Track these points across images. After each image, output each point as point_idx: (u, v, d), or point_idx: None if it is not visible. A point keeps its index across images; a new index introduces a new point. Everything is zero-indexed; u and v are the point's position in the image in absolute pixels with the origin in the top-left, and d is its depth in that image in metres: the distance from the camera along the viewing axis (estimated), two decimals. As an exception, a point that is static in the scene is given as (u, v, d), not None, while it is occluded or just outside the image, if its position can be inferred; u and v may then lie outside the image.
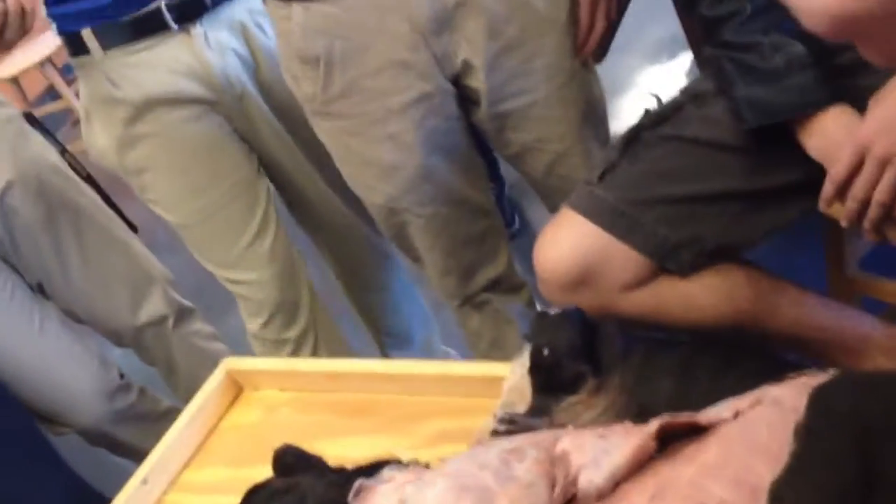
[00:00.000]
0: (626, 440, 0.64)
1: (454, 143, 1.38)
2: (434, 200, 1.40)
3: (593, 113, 1.40)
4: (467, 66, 1.30)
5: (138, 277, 1.78)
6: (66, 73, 3.75)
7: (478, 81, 1.31)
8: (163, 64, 1.46)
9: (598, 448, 0.66)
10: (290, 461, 0.82)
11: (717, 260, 1.08)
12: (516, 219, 2.48)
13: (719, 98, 1.07)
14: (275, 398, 1.16)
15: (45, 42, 3.69)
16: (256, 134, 1.57)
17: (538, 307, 1.57)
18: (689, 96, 1.10)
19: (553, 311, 0.89)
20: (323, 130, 1.39)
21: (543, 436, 0.72)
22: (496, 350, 1.59)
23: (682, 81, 2.62)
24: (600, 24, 1.29)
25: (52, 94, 3.54)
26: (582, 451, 0.66)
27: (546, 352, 0.84)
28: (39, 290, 1.72)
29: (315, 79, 1.31)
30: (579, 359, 0.83)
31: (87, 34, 1.44)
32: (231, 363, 1.20)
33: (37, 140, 1.70)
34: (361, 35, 1.26)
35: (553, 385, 0.83)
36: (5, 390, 1.58)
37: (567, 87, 1.34)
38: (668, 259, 1.06)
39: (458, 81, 1.32)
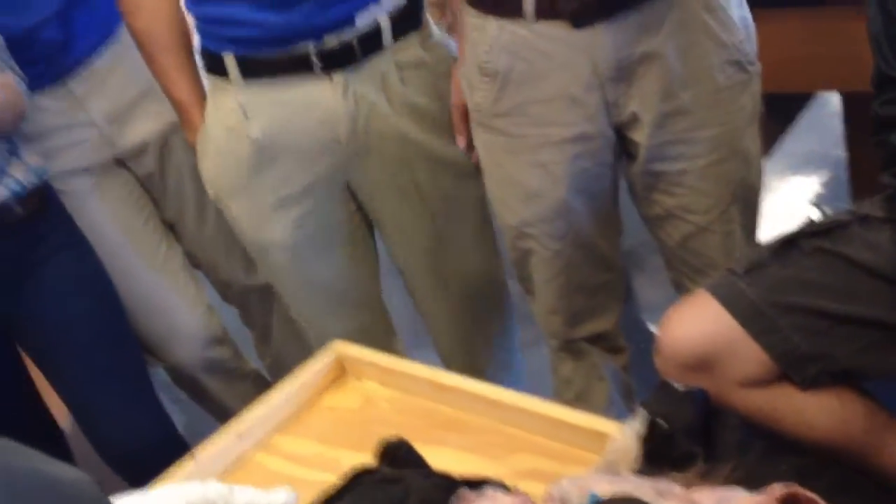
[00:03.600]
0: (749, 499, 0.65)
1: (599, 188, 1.40)
2: (563, 238, 1.43)
3: (746, 197, 1.40)
4: (634, 120, 1.32)
5: None
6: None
7: (640, 136, 1.33)
8: (298, 105, 1.43)
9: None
10: (401, 455, 0.85)
11: (839, 381, 1.08)
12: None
13: (887, 226, 1.07)
14: (375, 391, 1.19)
15: None
16: (375, 186, 1.52)
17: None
18: (857, 217, 1.11)
19: (677, 385, 0.90)
20: (481, 141, 1.42)
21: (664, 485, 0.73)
22: (581, 402, 1.60)
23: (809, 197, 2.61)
24: None
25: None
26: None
27: (663, 424, 0.85)
28: (170, 227, 1.80)
29: (488, 91, 1.35)
30: (694, 439, 0.84)
31: (229, 59, 1.43)
32: (340, 347, 1.24)
33: None
34: (544, 63, 1.29)
35: (662, 458, 0.84)
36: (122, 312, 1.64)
37: (726, 164, 1.35)
38: (794, 368, 1.06)
39: (620, 131, 1.35)
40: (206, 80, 1.51)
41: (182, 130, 1.61)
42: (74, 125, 1.66)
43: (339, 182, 1.51)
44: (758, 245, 1.33)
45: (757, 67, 1.35)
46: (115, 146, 1.70)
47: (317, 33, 1.38)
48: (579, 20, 1.25)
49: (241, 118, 1.44)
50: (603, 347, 1.58)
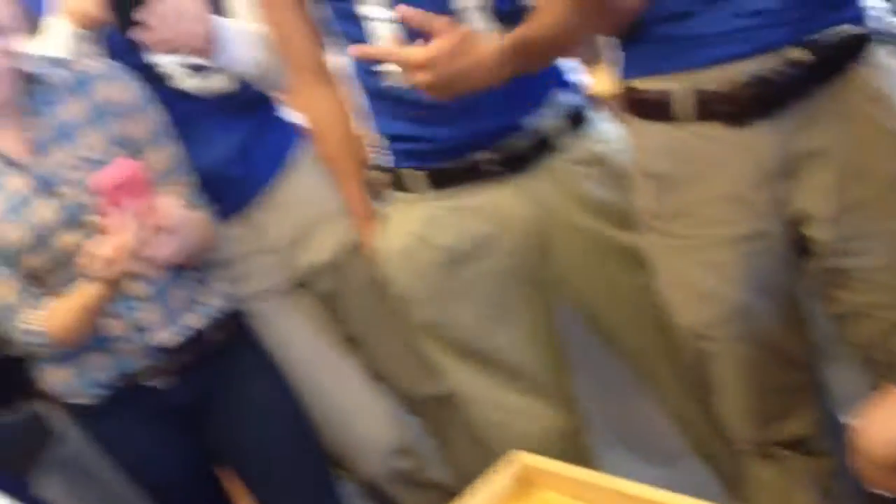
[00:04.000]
0: None
1: (778, 286, 1.37)
2: (744, 339, 1.39)
3: None
4: (807, 216, 1.29)
5: None
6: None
7: (816, 232, 1.30)
8: (481, 210, 1.49)
9: None
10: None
11: None
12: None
13: None
14: (561, 503, 1.19)
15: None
16: (565, 285, 1.56)
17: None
18: None
19: (887, 494, 0.87)
20: (649, 243, 1.42)
21: None
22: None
23: None
24: None
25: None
26: None
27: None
28: (351, 341, 1.88)
29: (651, 194, 1.36)
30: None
31: (418, 175, 1.50)
32: (523, 458, 1.24)
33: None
34: (705, 163, 1.29)
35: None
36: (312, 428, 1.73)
37: None
38: None
39: (795, 227, 1.32)
40: (386, 197, 1.59)
41: (355, 246, 1.71)
42: (257, 251, 1.75)
43: (529, 277, 1.54)
44: None
45: None
46: (295, 268, 1.78)
47: (485, 142, 1.45)
48: (737, 120, 1.25)
49: (427, 227, 1.51)
50: (802, 451, 1.49)
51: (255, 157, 1.74)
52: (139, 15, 1.42)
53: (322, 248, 1.78)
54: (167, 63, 1.62)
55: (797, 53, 1.23)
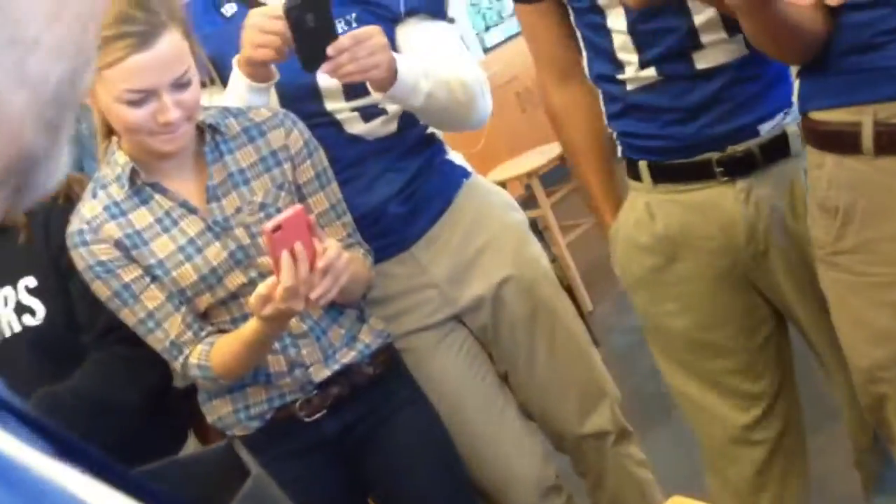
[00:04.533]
0: None
1: None
2: None
3: None
4: None
5: (592, 389, 1.87)
6: (546, 185, 4.09)
7: None
8: (699, 208, 1.53)
9: None
10: None
11: None
12: None
13: None
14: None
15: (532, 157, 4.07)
16: (777, 288, 1.56)
17: None
18: None
19: None
20: (825, 278, 1.39)
21: None
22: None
23: None
24: None
25: (528, 202, 3.87)
26: None
27: None
28: (504, 378, 1.88)
29: (829, 228, 1.33)
30: None
31: (642, 165, 1.57)
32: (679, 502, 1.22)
33: (536, 244, 1.88)
34: (887, 198, 1.26)
35: None
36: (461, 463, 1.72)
37: None
38: None
39: None
40: (629, 185, 1.65)
41: (511, 282, 1.74)
42: (418, 288, 1.79)
43: (740, 277, 1.56)
44: None
45: None
46: (454, 304, 1.80)
47: (720, 144, 1.48)
48: None
49: (647, 215, 1.57)
50: None
51: (420, 197, 1.78)
52: (330, 50, 1.49)
53: (481, 282, 1.80)
54: (340, 108, 1.70)
55: None
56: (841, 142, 1.28)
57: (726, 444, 1.63)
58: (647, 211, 1.57)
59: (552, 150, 4.15)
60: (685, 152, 1.50)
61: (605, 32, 1.50)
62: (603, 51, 1.52)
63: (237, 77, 1.60)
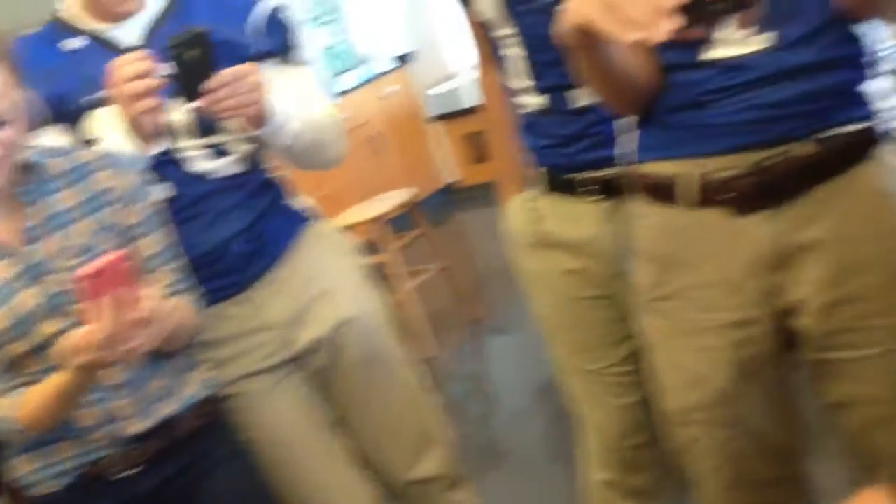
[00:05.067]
0: None
1: (766, 375, 1.37)
2: (730, 426, 1.38)
3: None
4: (798, 307, 1.30)
5: (424, 435, 1.86)
6: (395, 229, 4.10)
7: (808, 324, 1.30)
8: (578, 219, 1.63)
9: None
10: None
11: None
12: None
13: None
14: None
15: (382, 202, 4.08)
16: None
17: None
18: None
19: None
20: (645, 324, 1.43)
21: None
22: None
23: None
24: None
25: (371, 248, 3.86)
26: None
27: None
28: (340, 422, 1.85)
29: (650, 275, 1.37)
30: None
31: (542, 171, 1.68)
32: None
33: (375, 289, 1.87)
34: (704, 249, 1.31)
35: None
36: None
37: None
38: None
39: (786, 317, 1.32)
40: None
41: (349, 325, 1.73)
42: (255, 330, 1.74)
43: (601, 293, 1.67)
44: None
45: None
46: (291, 347, 1.77)
47: (592, 168, 1.60)
48: (740, 208, 1.27)
49: (536, 215, 1.70)
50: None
51: (265, 236, 1.75)
52: (212, 83, 1.50)
53: (320, 324, 1.77)
54: (190, 146, 1.66)
55: (804, 148, 1.25)
56: (665, 193, 1.32)
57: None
58: (537, 211, 1.69)
59: (401, 195, 4.17)
60: (567, 170, 1.62)
61: (509, 58, 1.60)
62: (510, 71, 1.63)
63: (121, 144, 1.55)
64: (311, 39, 5.56)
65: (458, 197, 6.03)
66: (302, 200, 1.86)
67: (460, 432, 2.01)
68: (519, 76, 1.61)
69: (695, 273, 1.32)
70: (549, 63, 1.51)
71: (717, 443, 1.40)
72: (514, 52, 1.60)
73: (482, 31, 1.66)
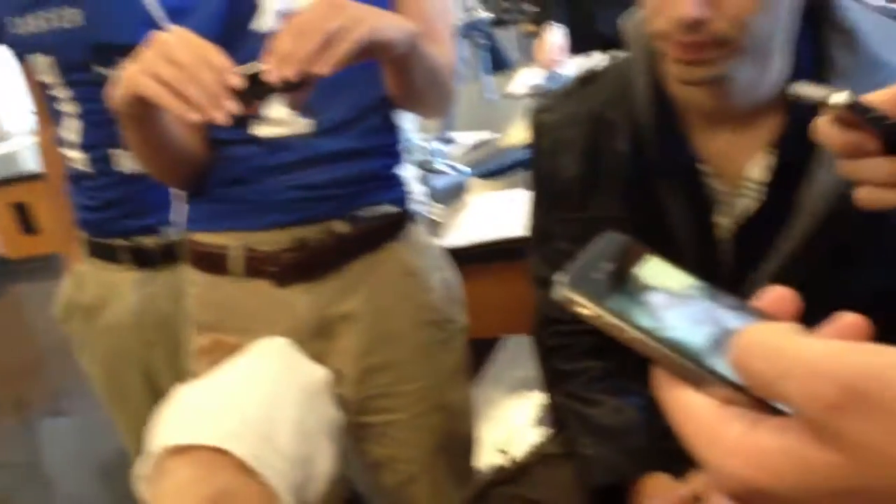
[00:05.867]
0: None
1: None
2: None
3: (452, 447, 1.46)
4: (338, 375, 1.36)
5: None
6: None
7: (345, 390, 1.37)
8: (111, 287, 1.65)
9: None
10: None
11: None
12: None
13: (567, 461, 1.14)
14: None
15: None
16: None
17: None
18: (539, 457, 1.19)
19: None
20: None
21: None
22: None
23: (533, 415, 2.77)
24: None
25: None
26: None
27: None
28: None
29: (205, 340, 1.39)
30: None
31: (82, 236, 1.67)
32: None
33: None
34: (250, 317, 1.34)
35: None
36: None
37: (428, 416, 1.41)
38: None
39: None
40: None
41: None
42: None
43: (134, 359, 1.67)
44: (455, 499, 1.38)
45: (458, 324, 1.44)
46: None
47: (129, 234, 1.63)
48: (279, 280, 1.32)
49: (80, 282, 1.70)
50: None
51: None
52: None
53: None
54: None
55: (339, 226, 1.32)
56: (214, 263, 1.34)
57: None
58: (80, 277, 1.69)
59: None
60: (105, 235, 1.64)
61: (63, 114, 1.59)
62: (63, 125, 1.61)
63: None
64: None
65: (8, 269, 5.56)
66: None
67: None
68: (70, 131, 1.59)
69: (245, 339, 1.34)
70: (100, 123, 1.51)
71: None
72: (70, 109, 1.57)
73: (41, 91, 1.61)
